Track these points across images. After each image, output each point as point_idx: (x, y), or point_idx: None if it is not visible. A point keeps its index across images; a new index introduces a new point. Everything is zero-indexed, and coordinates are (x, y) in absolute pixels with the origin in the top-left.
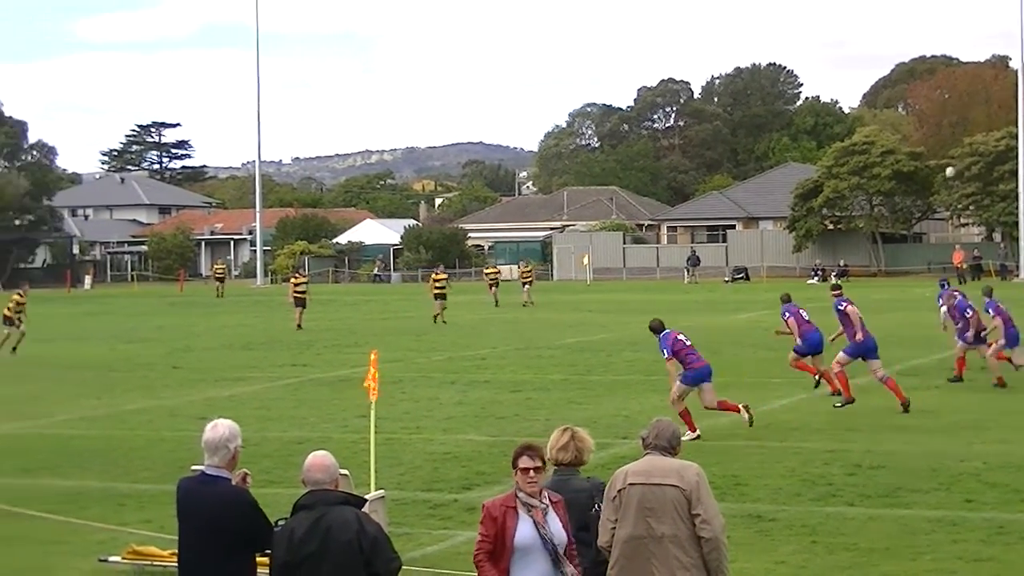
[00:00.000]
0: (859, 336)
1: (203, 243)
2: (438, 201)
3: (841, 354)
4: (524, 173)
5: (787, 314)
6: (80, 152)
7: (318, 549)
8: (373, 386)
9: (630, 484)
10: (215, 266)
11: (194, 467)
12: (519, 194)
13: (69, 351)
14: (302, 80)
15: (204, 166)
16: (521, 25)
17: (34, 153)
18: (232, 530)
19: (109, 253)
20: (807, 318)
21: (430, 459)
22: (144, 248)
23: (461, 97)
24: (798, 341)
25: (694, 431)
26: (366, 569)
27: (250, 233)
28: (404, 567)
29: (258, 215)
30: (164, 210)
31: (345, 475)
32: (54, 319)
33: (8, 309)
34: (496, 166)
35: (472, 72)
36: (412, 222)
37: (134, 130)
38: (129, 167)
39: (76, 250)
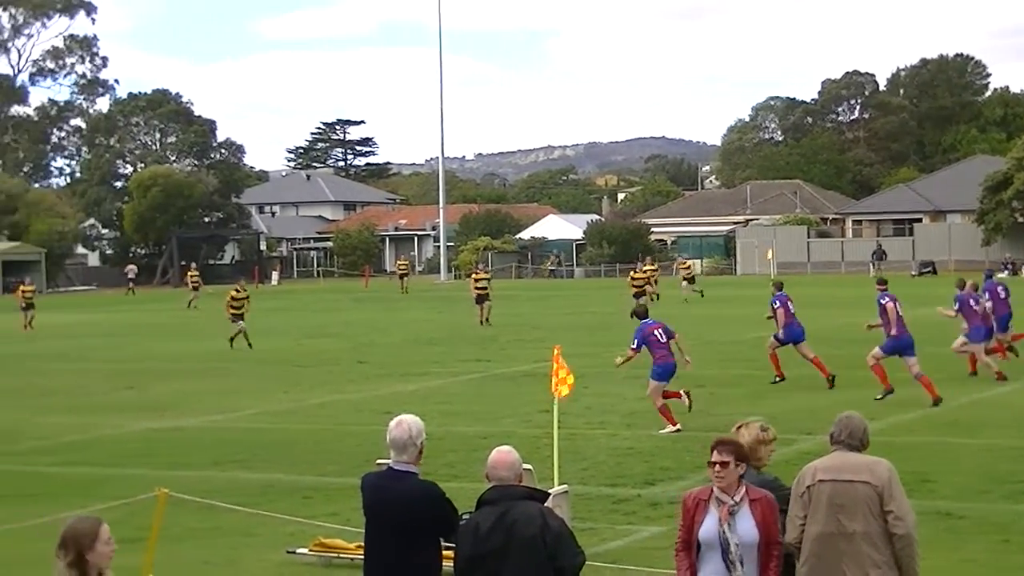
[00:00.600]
0: (894, 332)
1: (387, 239)
2: (620, 196)
3: (877, 349)
4: (707, 167)
5: (777, 303)
6: (267, 150)
7: (502, 544)
8: (563, 379)
9: (819, 481)
10: (398, 262)
11: (379, 461)
12: (702, 188)
13: (256, 346)
14: (484, 77)
15: (388, 163)
16: (703, 18)
17: (223, 151)
18: (422, 524)
19: (295, 249)
20: (793, 310)
21: (613, 454)
22: (329, 244)
23: (643, 92)
24: (780, 331)
25: (674, 425)
26: (550, 563)
27: (433, 229)
28: (587, 562)
29: (441, 211)
30: (349, 206)
31: (529, 469)
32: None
33: (230, 307)
34: (678, 160)
35: (653, 66)
36: (595, 217)
37: (319, 128)
38: (315, 164)
39: (263, 247)
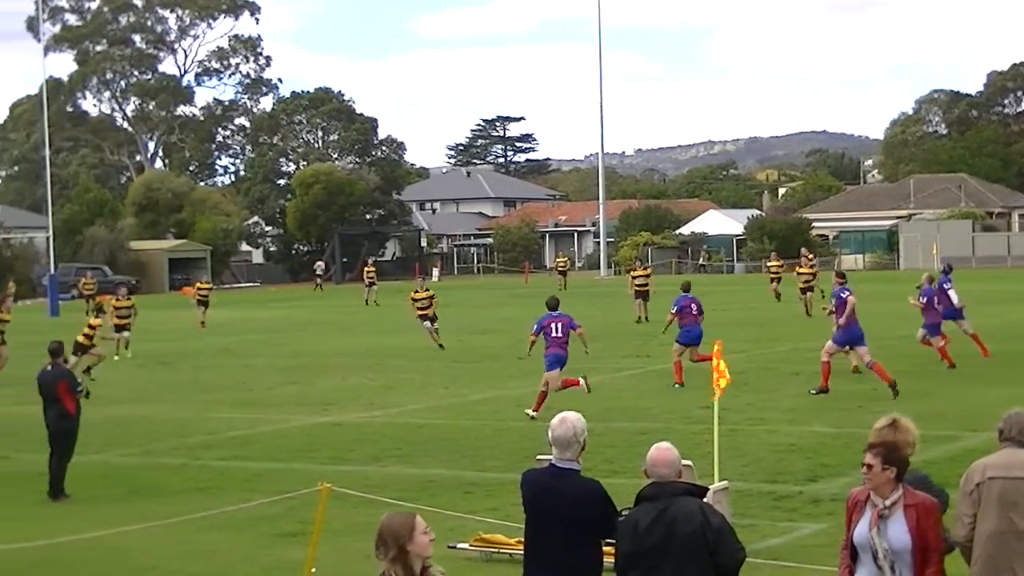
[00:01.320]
0: (842, 322)
1: (547, 235)
2: (781, 191)
3: (829, 343)
4: (869, 161)
5: (676, 306)
6: (427, 147)
7: (663, 540)
8: (722, 374)
9: (989, 478)
10: (557, 259)
11: (539, 457)
12: (864, 183)
13: (416, 342)
14: (643, 72)
15: (547, 159)
16: (865, 11)
17: (384, 149)
18: (585, 522)
19: (456, 246)
20: (695, 312)
21: (774, 450)
22: (489, 240)
23: (804, 86)
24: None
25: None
26: (711, 560)
27: (593, 225)
28: (747, 559)
29: (601, 207)
30: (509, 203)
31: (688, 465)
32: (403, 311)
33: (417, 308)
34: (840, 154)
35: (815, 60)
36: (755, 212)
37: (479, 124)
38: (475, 161)
39: (424, 243)
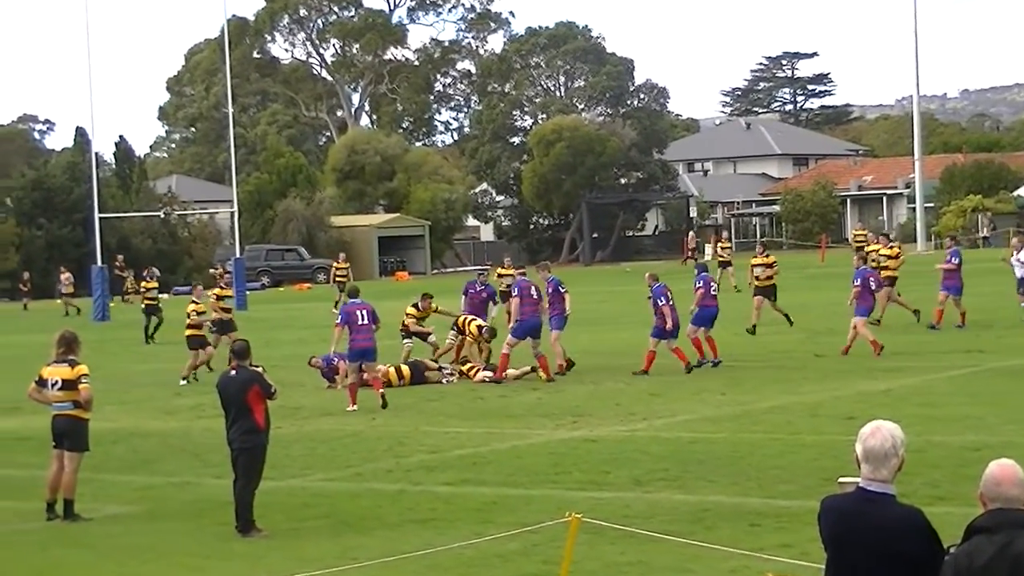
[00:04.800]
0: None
1: (848, 200)
2: None
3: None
4: None
5: (661, 297)
6: (697, 93)
7: None
8: None
9: None
10: (855, 231)
11: (842, 479)
12: None
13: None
14: None
15: (848, 105)
16: None
17: (642, 96)
18: (902, 560)
19: (732, 215)
20: (665, 303)
21: None
22: (775, 208)
23: None
24: (658, 324)
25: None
26: None
27: (907, 187)
28: None
29: (917, 164)
30: (799, 161)
31: None
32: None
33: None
34: None
35: None
36: None
37: (761, 64)
38: (756, 109)
39: (693, 213)
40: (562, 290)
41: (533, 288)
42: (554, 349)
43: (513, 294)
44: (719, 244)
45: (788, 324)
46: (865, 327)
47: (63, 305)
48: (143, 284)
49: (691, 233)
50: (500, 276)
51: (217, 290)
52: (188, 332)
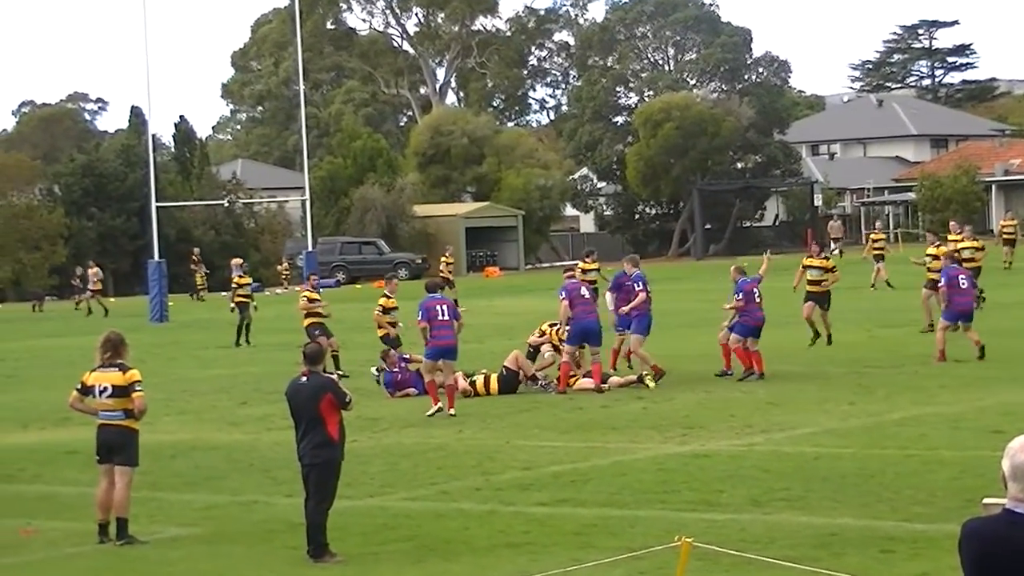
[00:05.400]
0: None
1: (992, 187)
2: None
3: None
4: None
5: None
6: (822, 67)
7: None
8: None
9: None
10: (1003, 222)
11: (987, 501)
12: None
13: (801, 337)
14: None
15: (993, 79)
16: None
17: (761, 70)
18: None
19: (862, 203)
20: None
21: None
22: (910, 196)
23: None
24: (744, 320)
25: (436, 403)
26: None
27: None
28: None
29: None
30: (938, 142)
31: None
32: (792, 296)
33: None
34: None
35: None
36: None
37: (895, 34)
38: (889, 85)
39: (818, 201)
40: (640, 288)
41: (583, 288)
42: (637, 355)
43: (560, 297)
44: (872, 236)
45: (814, 339)
46: (943, 331)
47: (86, 303)
48: (236, 280)
49: (837, 222)
50: (584, 272)
51: (308, 292)
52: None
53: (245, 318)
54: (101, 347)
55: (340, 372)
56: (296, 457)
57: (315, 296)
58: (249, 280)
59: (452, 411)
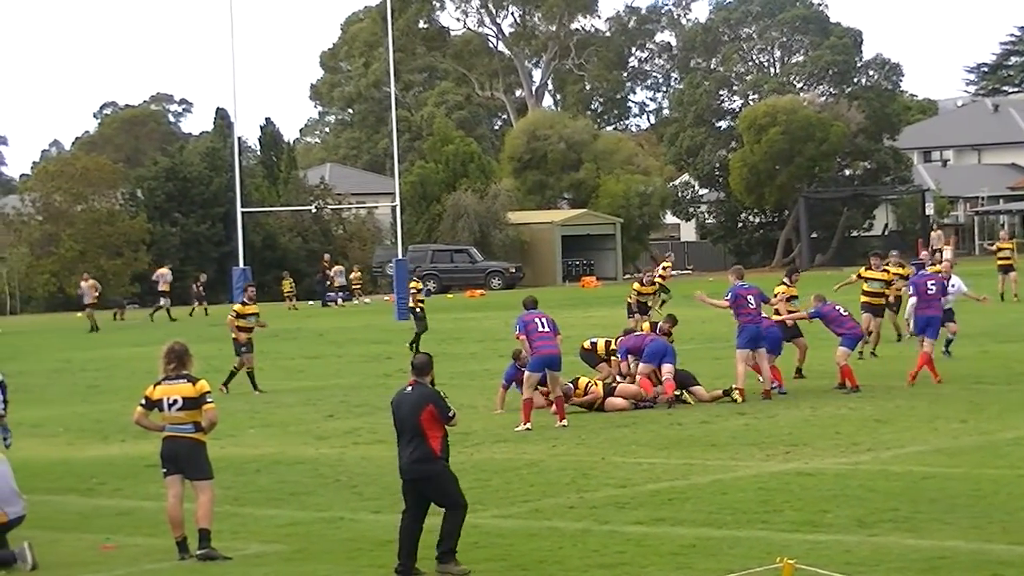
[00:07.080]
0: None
1: None
2: None
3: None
4: None
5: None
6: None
7: None
8: None
9: None
10: None
11: None
12: None
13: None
14: None
15: None
16: None
17: (871, 73)
18: None
19: (976, 213)
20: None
21: None
22: None
23: None
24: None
25: (527, 422)
26: None
27: None
28: None
29: None
30: None
31: None
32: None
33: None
34: None
35: None
36: None
37: (1012, 35)
38: (1006, 88)
39: (930, 210)
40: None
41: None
42: (737, 369)
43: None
44: (999, 245)
45: (863, 352)
46: None
47: (202, 308)
48: (411, 285)
49: (939, 232)
50: (662, 279)
51: (237, 306)
52: None
53: (422, 327)
54: (165, 358)
55: (223, 389)
56: (396, 469)
57: (248, 310)
58: (421, 286)
59: (564, 422)
